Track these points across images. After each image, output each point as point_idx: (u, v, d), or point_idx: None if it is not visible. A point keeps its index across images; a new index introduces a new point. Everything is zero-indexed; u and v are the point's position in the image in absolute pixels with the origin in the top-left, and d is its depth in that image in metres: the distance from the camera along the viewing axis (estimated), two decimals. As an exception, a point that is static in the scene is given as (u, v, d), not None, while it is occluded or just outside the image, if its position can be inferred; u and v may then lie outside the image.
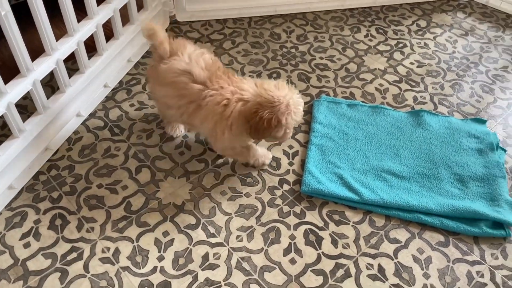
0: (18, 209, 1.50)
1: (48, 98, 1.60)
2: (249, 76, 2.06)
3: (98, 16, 1.71)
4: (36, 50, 1.55)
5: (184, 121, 1.55)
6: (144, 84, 1.98)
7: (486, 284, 1.37)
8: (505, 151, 1.76)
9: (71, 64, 1.95)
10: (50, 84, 1.92)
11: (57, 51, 1.55)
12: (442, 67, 2.15)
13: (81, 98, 1.77)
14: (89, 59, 1.76)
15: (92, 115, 1.83)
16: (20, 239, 1.42)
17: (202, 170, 1.65)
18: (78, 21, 1.64)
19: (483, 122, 1.86)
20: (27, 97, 1.79)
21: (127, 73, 2.03)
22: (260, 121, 1.35)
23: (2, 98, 1.37)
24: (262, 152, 1.64)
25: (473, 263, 1.43)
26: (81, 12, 1.67)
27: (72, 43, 1.61)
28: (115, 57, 1.90)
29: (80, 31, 1.64)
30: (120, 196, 1.55)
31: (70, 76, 1.69)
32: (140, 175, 1.62)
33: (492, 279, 1.39)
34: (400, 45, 2.28)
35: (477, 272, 1.40)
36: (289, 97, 1.38)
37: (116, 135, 1.76)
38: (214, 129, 1.45)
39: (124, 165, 1.66)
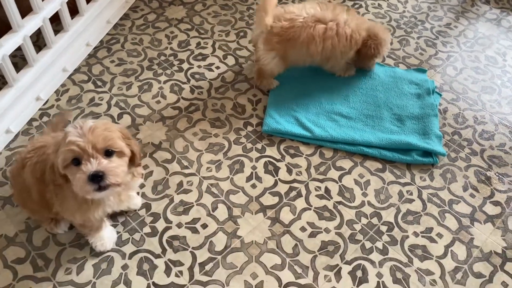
0: (15, 150, 1.72)
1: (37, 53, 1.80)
2: (218, 35, 2.28)
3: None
4: (25, 10, 1.74)
5: (327, 56, 1.90)
6: (123, 43, 2.19)
7: (413, 200, 1.66)
8: (440, 95, 2.04)
9: (56, 25, 2.13)
10: (37, 44, 2.11)
11: (44, 10, 1.75)
12: (393, 25, 2.40)
13: (66, 55, 1.98)
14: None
15: (76, 70, 2.04)
16: (20, 173, 1.65)
17: (176, 116, 1.89)
18: (61, -17, 1.83)
19: (423, 71, 2.13)
20: (16, 55, 1.99)
21: (107, 34, 2.23)
22: (369, 49, 1.89)
23: (-2, 50, 1.58)
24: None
25: (405, 184, 1.71)
26: (63, -25, 1.85)
27: (56, 4, 1.81)
28: (95, 18, 2.10)
29: (63, -7, 1.84)
30: (105, 137, 1.78)
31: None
32: (122, 120, 1.86)
33: (419, 196, 1.68)
34: (356, 5, 2.51)
35: (407, 191, 1.69)
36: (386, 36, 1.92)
37: (99, 87, 1.98)
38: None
39: (107, 113, 1.88)
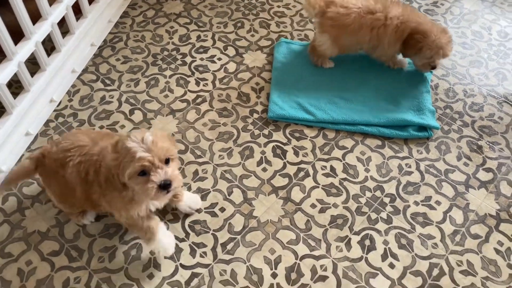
0: (36, 151, 1.82)
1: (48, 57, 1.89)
2: (217, 27, 2.37)
3: (80, -17, 1.98)
4: (31, 17, 1.81)
5: (374, 45, 2.02)
6: (126, 40, 2.27)
7: (412, 172, 1.80)
8: (431, 72, 2.16)
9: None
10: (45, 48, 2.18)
11: (52, 15, 1.83)
12: (382, 7, 2.50)
13: (73, 57, 2.06)
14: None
15: (85, 70, 2.13)
16: (44, 172, 1.75)
17: (185, 108, 1.99)
18: (65, -12, 1.90)
19: (414, 50, 2.24)
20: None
21: (110, 33, 2.31)
22: (412, 41, 1.93)
23: (14, 57, 1.66)
24: None
25: (403, 158, 1.84)
26: (65, -20, 1.92)
27: (62, 8, 1.88)
28: (97, 19, 2.18)
29: (68, -3, 1.92)
30: (121, 133, 1.88)
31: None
32: (134, 116, 1.96)
33: (417, 168, 1.81)
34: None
35: (406, 164, 1.82)
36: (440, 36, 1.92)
37: (108, 85, 2.07)
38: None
39: (120, 109, 1.98)
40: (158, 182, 1.20)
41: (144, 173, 1.21)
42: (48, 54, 1.91)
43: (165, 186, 1.21)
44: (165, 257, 1.54)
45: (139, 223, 1.42)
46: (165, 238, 1.51)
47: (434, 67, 2.00)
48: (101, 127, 1.91)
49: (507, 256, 1.57)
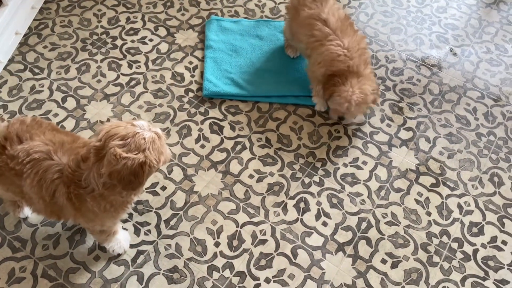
0: (-33, 146, 1.78)
1: (-32, 49, 1.82)
2: (146, 7, 2.35)
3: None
4: None
5: (308, 54, 1.92)
6: (52, 27, 2.21)
7: (341, 136, 1.93)
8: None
9: (-22, 17, 2.12)
10: (-38, 38, 2.09)
11: (-33, 5, 1.76)
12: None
13: (-3, 47, 1.99)
14: (-4, 10, 1.96)
15: (11, 60, 2.07)
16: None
17: (119, 92, 2.00)
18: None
19: (339, 21, 2.35)
20: None
21: (34, 19, 2.24)
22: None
23: None
24: None
25: (332, 124, 1.97)
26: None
27: (-22, -3, 1.81)
28: (19, 6, 2.10)
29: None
30: (54, 122, 1.87)
31: (-18, 27, 1.90)
32: (67, 104, 1.94)
33: (345, 132, 1.95)
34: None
35: (335, 130, 1.95)
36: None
37: (37, 74, 2.03)
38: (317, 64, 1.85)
39: (51, 98, 1.96)
40: None
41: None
42: (-32, 46, 1.85)
43: None
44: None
45: (112, 229, 1.43)
46: (122, 235, 1.54)
47: (342, 118, 1.97)
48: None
49: (426, 205, 1.74)
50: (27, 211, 1.61)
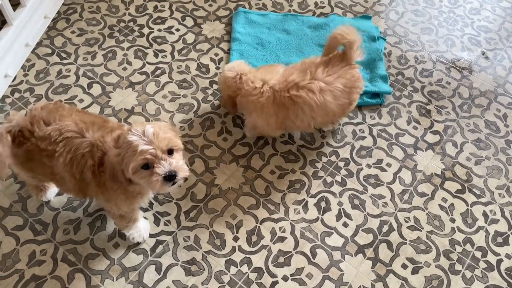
0: (-6, 127, 1.80)
1: (-2, 31, 1.84)
2: None
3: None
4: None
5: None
6: (81, 12, 2.22)
7: (365, 137, 1.89)
8: (385, 40, 2.23)
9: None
10: (-7, 20, 2.12)
11: (-1, -12, 1.77)
12: (339, -25, 2.54)
13: (26, 30, 2.00)
14: (27, -7, 1.97)
15: (39, 44, 2.08)
16: (3, 149, 1.75)
17: (144, 81, 2.00)
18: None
19: (369, 18, 2.30)
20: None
21: (63, 4, 2.25)
22: None
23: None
24: None
25: (357, 124, 1.93)
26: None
27: (10, -21, 1.82)
28: (49, -10, 2.12)
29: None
30: (79, 107, 1.88)
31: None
32: (92, 90, 1.95)
33: (370, 133, 1.91)
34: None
35: (360, 130, 1.92)
36: None
37: (64, 59, 2.04)
38: None
39: (77, 83, 1.96)
40: (162, 174, 1.16)
41: (147, 166, 1.17)
42: (0, 28, 1.86)
43: (170, 177, 1.17)
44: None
45: (132, 215, 1.44)
46: (143, 223, 1.55)
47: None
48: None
49: (450, 211, 1.70)
50: (49, 195, 1.62)
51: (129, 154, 1.16)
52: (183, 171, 1.21)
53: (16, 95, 1.90)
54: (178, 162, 1.21)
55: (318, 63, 1.64)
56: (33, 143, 1.28)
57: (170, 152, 1.21)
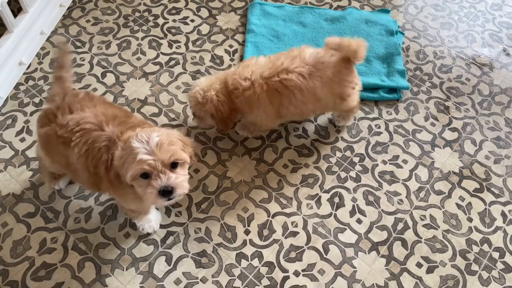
0: (7, 114, 1.80)
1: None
2: None
3: None
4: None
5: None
6: (96, 1, 2.21)
7: (381, 132, 1.85)
8: (403, 34, 2.18)
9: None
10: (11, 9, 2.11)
11: (16, -26, 1.76)
12: (357, -32, 2.49)
13: (41, 18, 2.00)
14: (43, -19, 1.97)
15: (54, 32, 2.08)
16: (16, 136, 1.75)
17: (158, 71, 1.98)
18: None
19: (387, 12, 2.25)
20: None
21: (78, -7, 2.24)
22: None
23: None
24: None
25: (373, 119, 1.89)
26: None
27: (26, -34, 1.82)
28: (65, -22, 2.11)
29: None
30: (92, 96, 1.87)
31: (29, -2, 1.91)
32: (106, 79, 1.94)
33: (386, 128, 1.87)
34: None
35: (376, 125, 1.88)
36: None
37: (79, 47, 2.03)
38: None
39: (91, 72, 1.96)
40: (158, 187, 1.12)
41: (147, 175, 1.13)
42: (15, 15, 1.85)
43: (165, 193, 1.13)
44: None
45: (144, 209, 1.43)
46: (154, 215, 1.54)
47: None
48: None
49: (468, 210, 1.66)
50: (62, 183, 1.62)
51: (129, 160, 1.12)
52: (182, 188, 1.16)
53: (30, 82, 1.90)
54: (178, 178, 1.15)
55: (311, 51, 1.61)
56: (52, 128, 1.29)
57: (174, 165, 1.16)
